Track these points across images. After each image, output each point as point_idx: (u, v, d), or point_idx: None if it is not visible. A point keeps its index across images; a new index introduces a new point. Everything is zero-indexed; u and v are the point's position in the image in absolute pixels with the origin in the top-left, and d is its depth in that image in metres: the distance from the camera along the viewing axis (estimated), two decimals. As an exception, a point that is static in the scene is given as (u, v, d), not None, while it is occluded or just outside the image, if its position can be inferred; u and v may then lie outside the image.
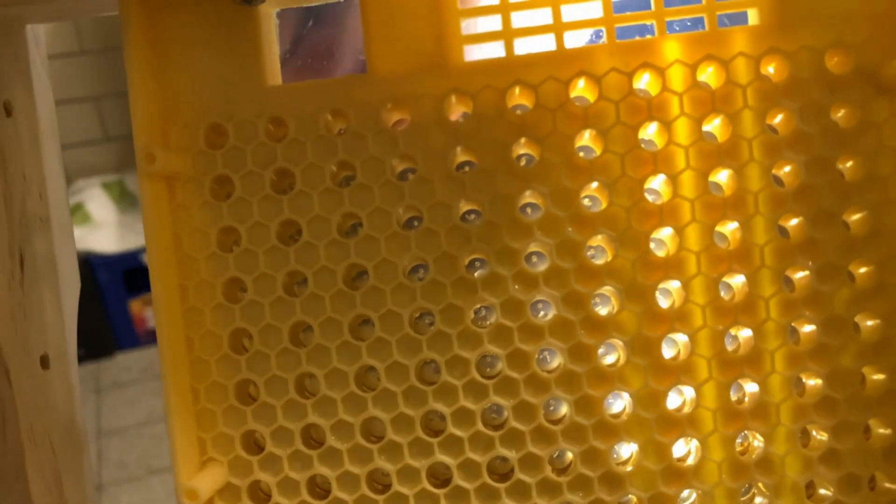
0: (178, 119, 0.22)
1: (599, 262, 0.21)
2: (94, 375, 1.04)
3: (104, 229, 1.02)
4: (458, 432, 0.22)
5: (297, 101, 0.22)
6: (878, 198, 0.21)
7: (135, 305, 1.08)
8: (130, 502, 0.93)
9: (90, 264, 0.99)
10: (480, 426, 0.22)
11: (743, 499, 0.22)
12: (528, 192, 0.21)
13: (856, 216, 0.22)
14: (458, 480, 0.22)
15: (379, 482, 0.22)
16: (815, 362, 0.21)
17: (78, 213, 1.01)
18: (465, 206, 0.22)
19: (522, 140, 0.21)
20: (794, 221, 0.22)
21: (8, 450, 0.20)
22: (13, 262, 0.21)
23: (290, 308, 0.22)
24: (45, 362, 0.22)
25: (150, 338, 1.13)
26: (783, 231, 0.22)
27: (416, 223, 0.22)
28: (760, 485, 0.22)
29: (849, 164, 0.21)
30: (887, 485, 0.21)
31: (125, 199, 1.11)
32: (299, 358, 0.22)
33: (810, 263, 0.21)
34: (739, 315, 0.21)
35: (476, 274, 0.22)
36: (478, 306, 0.22)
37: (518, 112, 0.21)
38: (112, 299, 1.02)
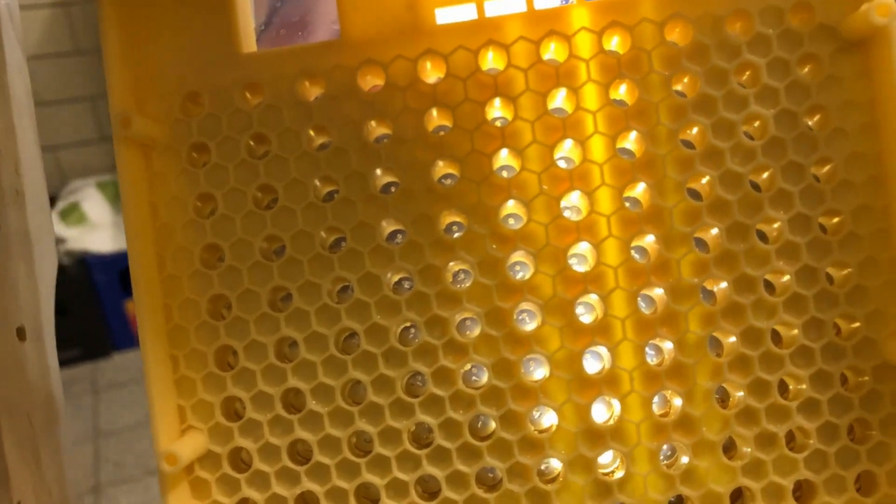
0: (154, 89, 0.22)
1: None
2: (91, 376, 1.04)
3: (100, 229, 1.02)
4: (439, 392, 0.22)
5: (271, 68, 0.22)
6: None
7: (131, 305, 1.08)
8: (129, 503, 0.93)
9: (86, 264, 0.99)
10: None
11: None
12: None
13: (705, 180, 0.22)
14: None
15: (361, 448, 0.22)
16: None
17: (74, 213, 1.01)
18: (443, 170, 0.22)
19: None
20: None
21: (-15, 417, 0.20)
22: (-11, 233, 0.21)
23: (268, 273, 0.22)
24: (21, 334, 0.22)
25: (148, 338, 1.13)
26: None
27: (392, 189, 0.22)
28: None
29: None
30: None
31: (120, 199, 1.11)
32: (278, 322, 0.22)
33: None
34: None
35: (455, 236, 0.22)
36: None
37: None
38: (108, 299, 1.02)
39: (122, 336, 1.07)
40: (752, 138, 0.22)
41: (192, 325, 0.22)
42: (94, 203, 1.03)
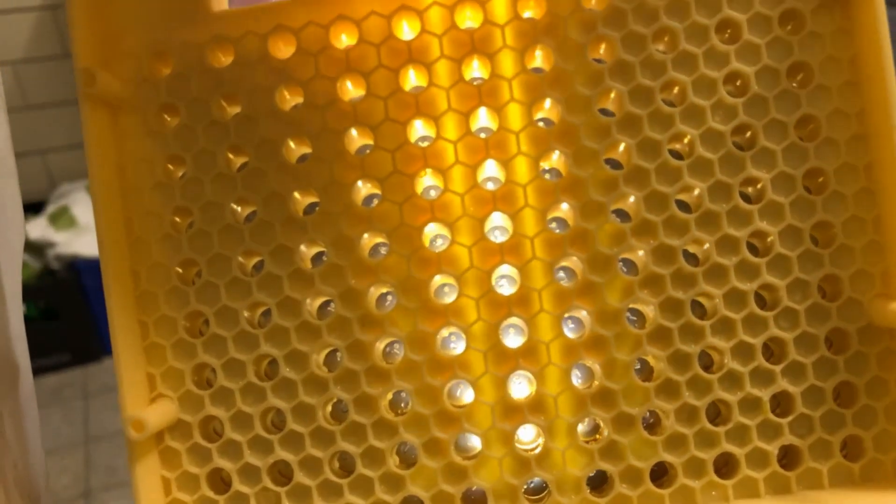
0: (120, 47, 0.21)
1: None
2: (82, 380, 1.03)
3: (90, 233, 1.01)
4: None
5: (243, 26, 0.21)
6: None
7: (122, 308, 1.07)
8: (120, 507, 0.92)
9: (76, 268, 0.98)
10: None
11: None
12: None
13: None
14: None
15: (337, 418, 0.22)
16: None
17: (63, 216, 1.00)
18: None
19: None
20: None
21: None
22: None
23: (238, 236, 0.21)
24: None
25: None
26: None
27: (367, 150, 0.22)
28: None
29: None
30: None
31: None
32: (250, 287, 0.21)
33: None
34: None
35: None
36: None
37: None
38: (99, 304, 1.01)
39: (112, 338, 1.06)
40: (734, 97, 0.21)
41: (161, 290, 0.21)
42: (83, 207, 1.02)
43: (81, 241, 0.99)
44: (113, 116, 0.21)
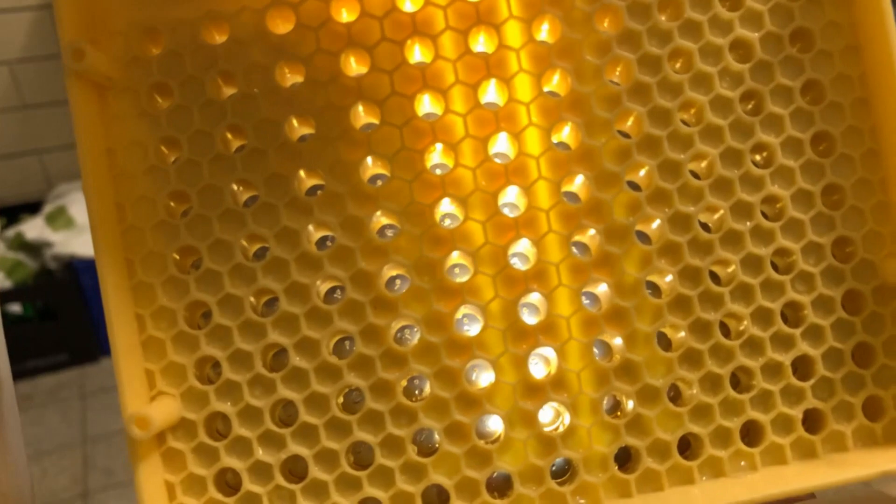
0: (109, 25, 0.18)
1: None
2: (80, 381, 0.97)
3: (87, 233, 0.95)
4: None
5: (237, 2, 0.18)
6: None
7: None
8: (121, 506, 0.86)
9: (73, 268, 0.92)
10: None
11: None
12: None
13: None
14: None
15: (349, 408, 0.19)
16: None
17: (61, 217, 0.94)
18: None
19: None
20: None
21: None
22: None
23: (240, 221, 0.18)
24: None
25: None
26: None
27: (370, 129, 0.19)
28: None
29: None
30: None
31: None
32: (255, 273, 0.18)
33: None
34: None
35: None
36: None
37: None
38: (96, 304, 0.95)
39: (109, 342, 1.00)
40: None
41: (158, 281, 0.18)
42: (81, 207, 0.95)
43: (79, 241, 0.93)
44: (101, 97, 0.18)
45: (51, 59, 0.98)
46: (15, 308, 0.92)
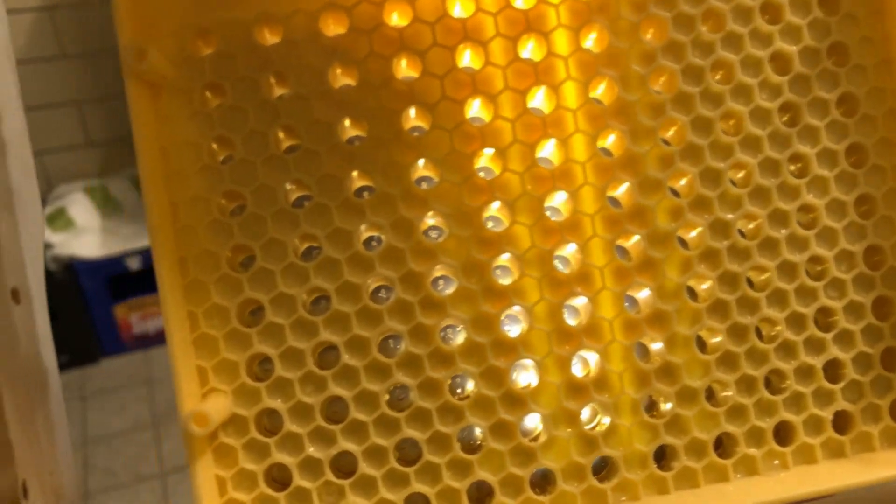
0: (162, 27, 0.18)
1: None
2: (80, 382, 0.96)
3: (87, 234, 0.94)
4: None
5: (291, 4, 0.18)
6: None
7: (120, 311, 1.00)
8: (120, 506, 0.86)
9: (74, 270, 0.91)
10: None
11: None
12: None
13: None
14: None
15: (396, 406, 0.19)
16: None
17: (60, 218, 0.93)
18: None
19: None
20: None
21: (-19, 385, 0.16)
22: (-22, 184, 0.17)
23: (293, 221, 0.18)
24: (16, 296, 0.18)
25: (136, 344, 1.05)
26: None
27: (417, 133, 0.19)
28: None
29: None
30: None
31: (108, 204, 1.03)
32: (307, 272, 0.18)
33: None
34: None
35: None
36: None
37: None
38: (96, 305, 0.94)
39: (110, 342, 1.00)
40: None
41: (211, 279, 0.18)
42: (81, 208, 0.95)
43: (79, 243, 0.92)
44: (154, 97, 0.18)
45: (50, 60, 0.97)
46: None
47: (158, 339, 1.06)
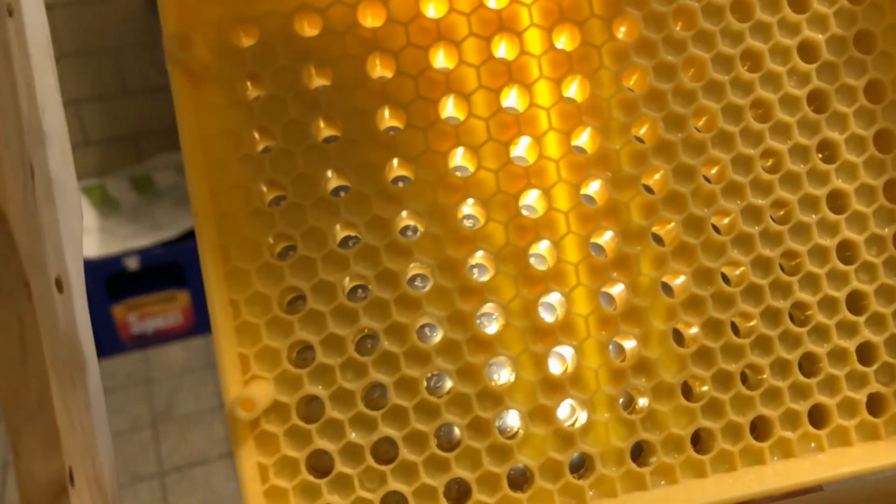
0: (203, 17, 0.18)
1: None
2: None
3: (86, 234, 0.94)
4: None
5: (328, -6, 0.19)
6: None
7: (118, 311, 1.00)
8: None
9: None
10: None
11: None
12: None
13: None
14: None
15: (434, 395, 0.19)
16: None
17: None
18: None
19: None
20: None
21: (30, 374, 0.16)
22: (25, 172, 0.17)
23: (333, 210, 0.19)
24: (59, 285, 0.18)
25: (134, 343, 1.05)
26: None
27: (452, 121, 0.19)
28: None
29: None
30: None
31: (106, 204, 1.03)
32: (347, 260, 0.19)
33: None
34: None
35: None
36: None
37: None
38: (95, 305, 0.94)
39: (109, 342, 0.99)
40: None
41: (252, 267, 0.19)
42: (79, 209, 0.95)
43: (73, 248, 0.92)
44: (195, 87, 0.18)
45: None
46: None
47: (156, 339, 1.06)
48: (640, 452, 0.20)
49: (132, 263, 0.99)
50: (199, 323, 1.07)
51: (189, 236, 1.04)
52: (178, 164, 1.13)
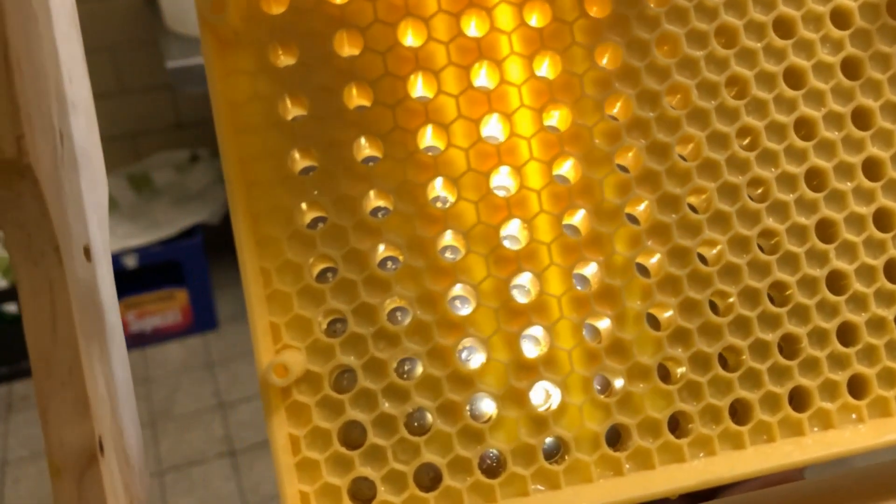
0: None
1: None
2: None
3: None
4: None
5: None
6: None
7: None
8: None
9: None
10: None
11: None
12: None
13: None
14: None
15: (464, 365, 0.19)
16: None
17: None
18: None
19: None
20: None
21: (59, 339, 0.16)
22: (55, 138, 0.17)
23: (364, 178, 0.19)
24: (87, 253, 0.18)
25: (133, 342, 1.05)
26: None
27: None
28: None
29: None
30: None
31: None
32: (378, 230, 0.19)
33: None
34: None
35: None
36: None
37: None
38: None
39: (108, 340, 0.99)
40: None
41: (283, 235, 0.18)
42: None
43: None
44: (223, 52, 0.18)
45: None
46: (12, 308, 0.91)
47: (155, 337, 1.06)
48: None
49: (130, 262, 0.99)
50: (198, 322, 1.06)
51: (187, 235, 1.03)
52: (176, 163, 1.13)
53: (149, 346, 1.06)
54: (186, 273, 1.04)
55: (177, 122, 1.15)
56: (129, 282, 1.01)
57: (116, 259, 0.97)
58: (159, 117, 1.12)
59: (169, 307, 1.05)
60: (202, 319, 1.08)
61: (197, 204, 1.08)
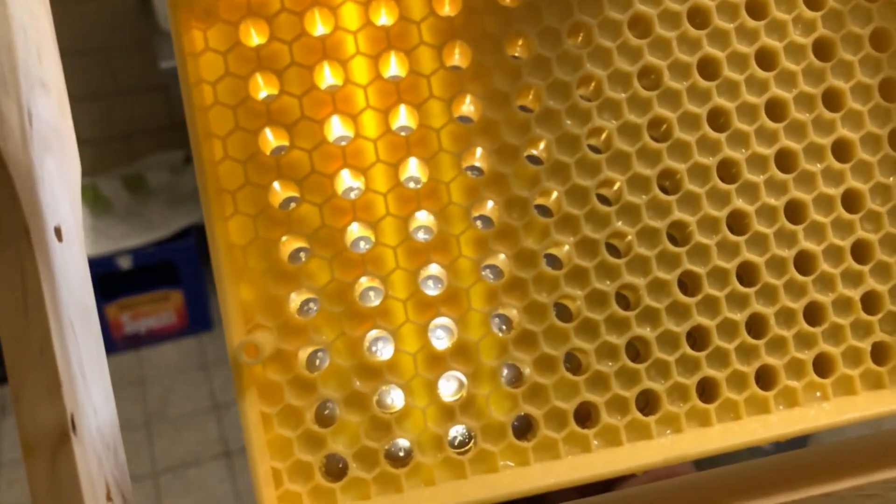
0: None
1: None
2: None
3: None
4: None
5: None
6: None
7: (110, 311, 1.00)
8: None
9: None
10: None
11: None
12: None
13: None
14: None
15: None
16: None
17: None
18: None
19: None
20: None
21: (31, 321, 0.16)
22: (22, 118, 0.17)
23: (337, 156, 0.19)
24: (59, 234, 0.18)
25: (127, 343, 1.05)
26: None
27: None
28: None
29: None
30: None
31: (98, 204, 1.02)
32: (352, 208, 0.19)
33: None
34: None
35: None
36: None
37: None
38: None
39: (101, 340, 0.99)
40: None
41: (255, 212, 0.18)
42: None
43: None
44: (193, 29, 0.18)
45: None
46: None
47: (149, 338, 1.06)
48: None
49: (125, 263, 0.99)
50: (193, 323, 1.06)
51: (182, 236, 1.03)
52: (170, 164, 1.13)
53: (143, 347, 1.06)
54: (181, 274, 1.04)
55: (171, 123, 1.15)
56: (124, 283, 1.01)
57: (111, 260, 0.97)
58: (154, 118, 1.13)
59: (163, 308, 1.05)
60: (197, 320, 1.08)
61: (191, 205, 1.08)
